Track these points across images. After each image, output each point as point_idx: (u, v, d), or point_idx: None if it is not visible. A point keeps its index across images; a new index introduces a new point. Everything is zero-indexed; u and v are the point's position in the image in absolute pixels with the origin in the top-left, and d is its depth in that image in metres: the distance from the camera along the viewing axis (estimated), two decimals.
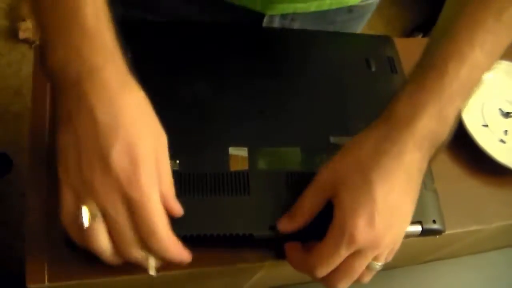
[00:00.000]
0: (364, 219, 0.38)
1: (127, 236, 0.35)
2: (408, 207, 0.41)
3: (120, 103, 0.35)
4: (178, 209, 0.39)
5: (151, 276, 0.38)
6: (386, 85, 0.56)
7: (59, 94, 0.36)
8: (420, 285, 0.70)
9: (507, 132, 0.63)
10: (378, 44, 0.61)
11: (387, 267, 0.42)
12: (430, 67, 0.41)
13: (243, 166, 0.46)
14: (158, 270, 0.38)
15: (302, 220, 0.42)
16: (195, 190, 0.44)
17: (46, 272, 0.42)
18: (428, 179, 0.48)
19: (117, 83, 0.36)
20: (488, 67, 0.42)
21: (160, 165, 0.37)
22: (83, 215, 0.34)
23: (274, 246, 0.46)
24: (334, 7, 0.60)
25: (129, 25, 0.54)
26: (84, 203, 0.35)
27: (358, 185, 0.39)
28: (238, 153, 0.46)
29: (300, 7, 0.57)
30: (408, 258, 0.41)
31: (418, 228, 0.46)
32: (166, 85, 0.50)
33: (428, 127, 0.40)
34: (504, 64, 0.68)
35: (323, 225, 0.41)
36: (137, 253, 0.37)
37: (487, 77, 0.43)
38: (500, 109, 0.66)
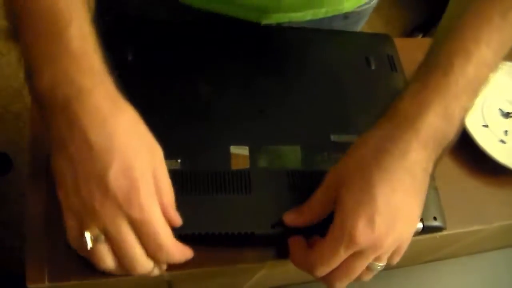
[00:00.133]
0: (364, 221, 0.38)
1: (131, 254, 0.36)
2: (412, 209, 0.40)
3: (112, 124, 0.35)
4: (177, 220, 0.39)
5: (151, 276, 0.38)
6: (386, 83, 0.56)
7: (48, 118, 0.35)
8: (420, 285, 0.70)
9: (507, 132, 0.63)
10: (378, 42, 0.61)
11: (387, 267, 0.42)
12: (434, 65, 0.41)
13: (244, 164, 0.46)
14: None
15: (310, 217, 0.42)
16: (196, 189, 0.44)
17: (46, 272, 0.42)
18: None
19: (108, 104, 0.35)
20: (494, 66, 0.41)
21: (158, 178, 0.37)
22: (86, 239, 0.35)
23: (275, 245, 0.46)
24: (329, 15, 0.60)
25: (130, 25, 0.55)
26: (87, 227, 0.35)
27: (359, 186, 0.39)
28: (239, 152, 0.46)
29: (296, 16, 0.58)
30: (408, 258, 0.41)
31: (419, 225, 0.46)
32: (167, 84, 0.50)
33: (433, 126, 0.39)
34: (504, 65, 0.68)
35: (327, 221, 0.41)
36: (142, 268, 0.37)
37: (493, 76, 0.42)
38: (500, 109, 0.66)
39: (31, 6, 0.35)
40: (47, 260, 0.43)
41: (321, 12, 0.59)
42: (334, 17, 0.61)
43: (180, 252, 0.39)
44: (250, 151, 0.47)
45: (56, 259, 0.43)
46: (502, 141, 0.63)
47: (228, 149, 0.46)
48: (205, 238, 0.42)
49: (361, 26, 0.70)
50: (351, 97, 0.54)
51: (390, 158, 0.39)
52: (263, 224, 0.43)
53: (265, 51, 0.56)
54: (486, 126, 0.63)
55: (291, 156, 0.47)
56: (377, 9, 0.71)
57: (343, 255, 0.38)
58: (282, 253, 0.45)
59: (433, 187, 0.49)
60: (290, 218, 0.43)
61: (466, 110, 0.41)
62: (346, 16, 0.63)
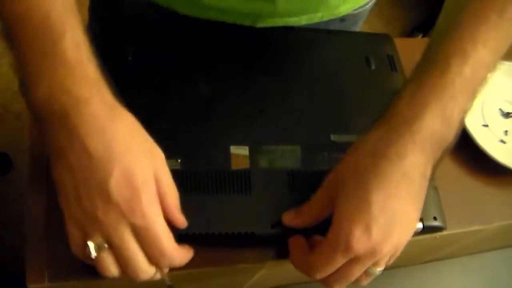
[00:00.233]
0: (360, 229, 0.37)
1: (134, 262, 0.36)
2: (410, 214, 0.39)
3: (111, 132, 0.35)
4: (182, 222, 0.39)
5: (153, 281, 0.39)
6: (386, 83, 0.56)
7: (46, 129, 0.35)
8: (420, 285, 0.70)
9: (507, 132, 0.63)
10: (378, 42, 0.61)
11: (387, 267, 0.42)
12: (431, 65, 0.40)
13: (244, 164, 0.46)
14: None
15: (308, 218, 0.42)
16: (196, 189, 0.44)
17: (46, 272, 0.42)
18: None
19: (105, 112, 0.35)
20: (492, 65, 0.41)
21: (161, 181, 0.37)
22: (89, 248, 0.35)
23: (276, 245, 0.46)
24: (325, 19, 0.60)
25: (130, 25, 0.55)
26: (89, 236, 0.35)
27: (356, 192, 0.38)
28: (239, 152, 0.46)
29: (291, 21, 0.58)
30: (408, 258, 0.41)
31: (419, 225, 0.46)
32: (167, 84, 0.50)
33: (430, 128, 0.39)
34: (504, 64, 0.68)
35: (327, 220, 0.40)
36: (145, 275, 0.37)
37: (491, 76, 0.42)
38: (500, 109, 0.66)
39: (24, 16, 0.35)
40: (47, 260, 0.43)
41: (316, 17, 0.59)
42: (330, 21, 0.61)
43: (181, 255, 0.39)
44: (250, 151, 0.47)
45: (56, 259, 0.43)
46: (502, 141, 0.63)
47: (228, 149, 0.46)
48: (205, 238, 0.42)
49: (358, 27, 0.70)
50: (351, 97, 0.54)
51: (386, 163, 0.38)
52: (263, 224, 0.43)
53: (265, 51, 0.56)
54: (486, 126, 0.63)
55: (291, 156, 0.47)
56: (377, 9, 0.71)
57: (340, 261, 0.38)
58: (282, 253, 0.45)
59: (433, 187, 0.49)
60: (289, 219, 0.43)
61: (464, 111, 0.40)
62: (343, 19, 0.63)
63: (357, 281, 0.41)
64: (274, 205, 0.44)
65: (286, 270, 0.45)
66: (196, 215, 0.41)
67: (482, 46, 0.40)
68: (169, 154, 0.42)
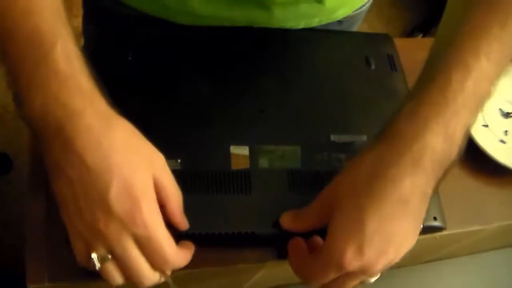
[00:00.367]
0: (352, 250, 0.36)
1: (138, 270, 0.36)
2: (406, 234, 0.38)
3: (107, 143, 0.35)
4: (185, 225, 0.40)
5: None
6: (386, 83, 0.56)
7: (43, 142, 0.35)
8: (420, 285, 0.70)
9: (507, 133, 0.63)
10: (378, 42, 0.61)
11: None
12: (431, 80, 0.38)
13: (245, 164, 0.46)
14: None
15: (305, 225, 0.42)
16: (196, 189, 0.44)
17: (46, 272, 0.42)
18: None
19: (100, 123, 0.35)
20: (495, 78, 0.39)
21: (162, 186, 0.37)
22: (94, 260, 0.35)
23: (276, 245, 0.46)
24: (323, 23, 0.60)
25: (130, 25, 0.55)
26: (93, 248, 0.35)
27: (350, 211, 0.38)
28: (239, 152, 0.46)
29: (288, 25, 0.58)
30: (408, 258, 0.41)
31: None
32: (167, 84, 0.50)
33: (432, 147, 0.37)
34: None
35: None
36: (149, 281, 0.37)
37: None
38: (500, 109, 0.66)
39: (13, 28, 0.35)
40: (47, 260, 0.43)
41: (314, 21, 0.60)
42: (328, 24, 0.61)
43: (183, 258, 0.39)
44: (250, 151, 0.47)
45: (56, 259, 0.43)
46: (502, 141, 0.63)
47: (228, 149, 0.46)
48: (206, 238, 0.42)
49: (356, 28, 0.70)
50: (351, 97, 0.54)
51: (383, 185, 0.37)
52: (263, 224, 0.43)
53: (265, 51, 0.56)
54: (486, 126, 0.63)
55: (291, 156, 0.47)
56: (377, 9, 0.71)
57: (333, 275, 0.38)
58: (282, 254, 0.45)
59: None
60: (287, 222, 0.43)
61: (468, 126, 0.39)
62: (340, 21, 0.63)
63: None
64: (274, 205, 0.44)
65: (286, 270, 0.45)
66: (196, 215, 0.41)
67: (485, 59, 0.38)
68: (169, 154, 0.42)
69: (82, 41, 0.60)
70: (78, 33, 0.70)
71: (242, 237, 0.43)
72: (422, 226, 0.45)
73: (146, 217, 0.35)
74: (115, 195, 0.34)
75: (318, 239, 0.43)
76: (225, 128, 0.48)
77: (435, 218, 0.47)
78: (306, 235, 0.43)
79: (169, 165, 0.39)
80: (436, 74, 0.39)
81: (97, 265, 0.35)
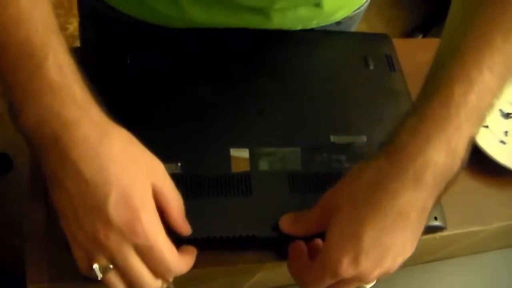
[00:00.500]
0: (348, 259, 0.37)
1: (140, 279, 0.36)
2: (404, 246, 0.38)
3: (104, 153, 0.34)
4: (187, 230, 0.40)
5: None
6: (385, 83, 0.56)
7: (39, 152, 0.35)
8: (420, 285, 0.69)
9: (507, 133, 0.63)
10: (376, 42, 0.61)
11: None
12: (434, 94, 0.38)
13: (245, 167, 0.46)
14: None
15: (304, 230, 0.42)
16: (196, 193, 0.44)
17: (46, 272, 0.42)
18: None
19: (96, 133, 0.35)
20: (498, 90, 0.39)
21: (163, 193, 0.37)
22: (95, 270, 0.35)
23: (277, 247, 0.46)
24: (321, 25, 0.60)
25: (129, 28, 0.55)
26: (94, 258, 0.35)
27: (349, 221, 0.38)
28: (239, 155, 0.46)
29: (286, 28, 0.58)
30: (408, 258, 0.41)
31: None
32: (166, 88, 0.50)
33: (434, 163, 0.36)
34: None
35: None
36: (156, 284, 0.38)
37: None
38: (500, 110, 0.66)
39: (4, 39, 0.34)
40: (47, 260, 0.43)
41: (312, 24, 0.60)
42: (326, 25, 0.61)
43: (185, 264, 0.39)
44: (250, 153, 0.47)
45: (56, 259, 0.43)
46: (502, 142, 0.63)
47: (228, 152, 0.46)
48: (206, 242, 0.42)
49: (355, 28, 0.70)
50: (350, 97, 0.54)
51: (383, 199, 0.37)
52: (264, 226, 0.43)
53: (263, 52, 0.56)
54: (486, 126, 0.63)
55: (291, 158, 0.47)
56: (377, 9, 0.71)
57: (328, 281, 0.39)
58: (282, 255, 0.45)
59: None
60: (286, 225, 0.43)
61: (470, 139, 0.38)
62: (338, 22, 0.63)
63: None
64: (275, 207, 0.44)
65: (285, 271, 0.45)
66: (196, 218, 0.41)
67: (488, 72, 0.37)
68: (169, 158, 0.42)
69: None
70: (77, 34, 0.70)
71: (243, 240, 0.43)
72: None
73: (146, 226, 0.34)
74: (114, 206, 0.34)
75: (319, 242, 0.43)
76: (224, 131, 0.48)
77: (435, 218, 0.47)
78: (307, 238, 0.43)
79: (169, 168, 0.39)
80: (438, 87, 0.38)
81: (99, 275, 0.35)
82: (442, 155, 0.37)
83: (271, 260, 0.47)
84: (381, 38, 0.61)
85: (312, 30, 0.61)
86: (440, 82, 0.38)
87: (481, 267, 0.72)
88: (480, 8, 0.40)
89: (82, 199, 0.34)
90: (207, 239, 0.42)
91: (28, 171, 0.48)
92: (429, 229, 0.47)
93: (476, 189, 0.58)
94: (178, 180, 0.39)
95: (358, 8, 0.64)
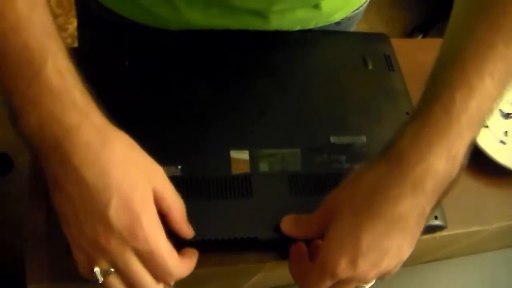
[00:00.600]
0: (346, 261, 0.37)
1: (141, 283, 0.36)
2: (402, 249, 0.39)
3: (105, 158, 0.34)
4: (189, 232, 0.40)
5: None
6: (384, 83, 0.56)
7: (40, 157, 0.35)
8: (420, 285, 0.70)
9: (507, 133, 0.63)
10: (374, 41, 0.61)
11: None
12: (435, 100, 0.38)
13: (245, 169, 0.46)
14: None
15: (305, 233, 0.42)
16: (197, 195, 0.44)
17: (46, 272, 0.42)
18: None
19: (97, 138, 0.35)
20: (498, 97, 0.39)
21: (164, 197, 0.37)
22: (96, 274, 0.35)
23: (278, 248, 0.46)
24: (320, 25, 0.60)
25: (127, 31, 0.54)
26: (95, 262, 0.35)
27: (347, 225, 0.38)
28: (240, 157, 0.46)
29: (284, 29, 0.58)
30: (408, 258, 0.41)
31: None
32: (165, 90, 0.50)
33: (434, 170, 0.37)
34: None
35: None
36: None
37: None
38: (500, 110, 0.66)
39: (3, 45, 0.34)
40: (47, 260, 0.43)
41: (310, 25, 0.60)
42: (325, 25, 0.61)
43: (186, 267, 0.39)
44: (250, 155, 0.47)
45: (56, 260, 0.43)
46: (502, 142, 0.63)
47: (228, 154, 0.46)
48: (208, 244, 0.42)
49: (354, 27, 0.70)
50: (350, 97, 0.54)
51: (382, 204, 0.37)
52: (265, 228, 0.43)
53: (262, 53, 0.56)
54: (486, 126, 0.63)
55: (291, 159, 0.47)
56: (377, 9, 0.71)
57: (328, 283, 0.39)
58: (282, 254, 0.45)
59: None
60: (287, 227, 0.43)
61: (470, 144, 0.38)
62: (338, 23, 0.63)
63: None
64: (276, 208, 0.44)
65: (285, 271, 0.45)
66: (197, 221, 0.41)
67: (489, 78, 0.37)
68: (169, 161, 0.42)
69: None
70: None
71: (244, 242, 0.43)
72: None
73: (147, 231, 0.35)
74: (115, 210, 0.34)
75: (319, 243, 0.43)
76: (224, 133, 0.48)
77: (436, 217, 0.47)
78: (308, 239, 0.44)
79: (169, 171, 0.39)
80: (440, 93, 0.38)
81: (100, 278, 0.35)
82: (443, 162, 0.37)
83: (271, 260, 0.47)
84: (379, 38, 0.61)
85: (310, 30, 0.61)
86: (442, 87, 0.38)
87: (481, 267, 0.72)
88: (482, 13, 0.40)
89: (83, 203, 0.34)
90: (208, 241, 0.42)
91: (28, 171, 0.48)
92: (430, 229, 0.47)
93: (476, 189, 0.58)
94: (178, 182, 0.39)
95: (357, 9, 0.64)
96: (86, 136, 0.34)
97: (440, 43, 0.43)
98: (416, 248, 0.40)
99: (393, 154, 0.38)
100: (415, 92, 0.56)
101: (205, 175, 0.45)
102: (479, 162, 0.59)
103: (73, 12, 0.69)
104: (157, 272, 0.36)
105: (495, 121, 0.64)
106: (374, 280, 0.41)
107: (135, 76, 0.50)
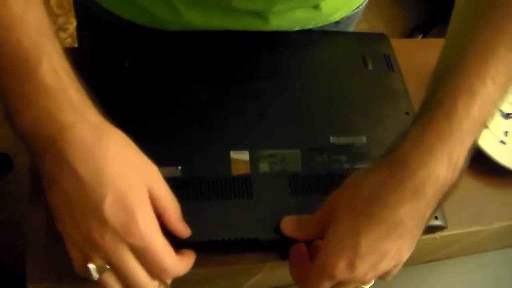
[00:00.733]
0: (344, 263, 0.37)
1: (137, 280, 0.36)
2: (401, 251, 0.39)
3: (100, 155, 0.34)
4: (186, 232, 0.40)
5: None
6: (383, 83, 0.56)
7: (35, 154, 0.35)
8: (420, 285, 0.70)
9: (507, 133, 0.63)
10: (374, 42, 0.61)
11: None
12: (436, 105, 0.38)
13: (245, 170, 0.46)
14: None
15: (306, 235, 0.43)
16: (197, 196, 0.44)
17: (46, 272, 0.42)
18: None
19: (92, 135, 0.35)
20: (500, 99, 0.39)
21: (158, 196, 0.37)
22: (91, 271, 0.35)
23: (278, 249, 0.46)
24: (319, 25, 0.60)
25: (126, 32, 0.54)
26: (90, 259, 0.35)
27: (346, 229, 0.38)
28: (240, 157, 0.46)
29: (283, 29, 0.58)
30: (408, 258, 0.41)
31: None
32: (165, 91, 0.50)
33: (435, 175, 0.36)
34: None
35: None
36: (153, 285, 0.37)
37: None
38: (500, 110, 0.66)
39: None
40: (47, 260, 0.43)
41: (310, 25, 0.60)
42: (324, 25, 0.61)
43: (183, 266, 0.39)
44: (250, 155, 0.47)
45: (56, 260, 0.43)
46: (502, 142, 0.63)
47: (228, 155, 0.46)
48: (208, 245, 0.42)
49: (353, 27, 0.70)
50: (350, 98, 0.54)
51: (382, 209, 0.37)
52: (265, 229, 0.43)
53: (262, 54, 0.56)
54: (486, 127, 0.63)
55: (291, 159, 0.47)
56: (378, 9, 0.71)
57: (327, 284, 0.39)
58: (282, 255, 0.45)
59: None
60: (288, 229, 0.43)
61: (471, 149, 0.38)
62: (337, 22, 0.63)
63: None
64: (276, 209, 0.44)
65: (285, 271, 0.45)
66: (197, 222, 0.41)
67: (491, 82, 0.37)
68: (169, 162, 0.42)
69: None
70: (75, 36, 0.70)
71: (244, 242, 0.43)
72: None
73: (142, 227, 0.34)
74: (110, 206, 0.34)
75: (319, 244, 0.43)
76: (224, 133, 0.48)
77: (436, 218, 0.47)
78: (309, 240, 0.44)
79: (169, 172, 0.39)
80: (442, 98, 0.38)
81: (95, 275, 0.35)
82: (444, 168, 0.37)
83: (271, 260, 0.47)
84: (379, 38, 0.61)
85: (310, 30, 0.61)
86: (443, 92, 0.38)
87: (482, 267, 0.72)
88: (483, 16, 0.40)
89: (78, 199, 0.34)
90: (209, 242, 0.42)
91: (28, 171, 0.48)
92: (430, 229, 0.47)
93: (476, 189, 0.58)
94: (179, 183, 0.39)
95: (357, 8, 0.64)
96: (81, 133, 0.34)
97: (441, 46, 0.43)
98: (416, 248, 0.40)
99: (395, 159, 0.38)
100: (415, 92, 0.56)
101: (205, 176, 0.45)
102: (479, 162, 0.59)
103: (73, 12, 0.69)
104: (152, 269, 0.36)
105: (495, 121, 0.64)
106: (373, 281, 0.41)
107: (135, 77, 0.51)
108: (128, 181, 0.35)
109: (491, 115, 0.39)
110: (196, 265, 0.41)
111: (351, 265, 0.37)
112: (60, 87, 0.34)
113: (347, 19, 0.64)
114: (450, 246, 0.63)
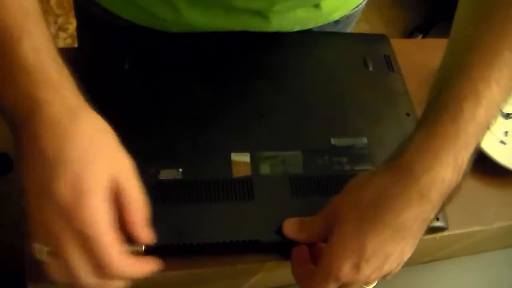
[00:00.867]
0: (349, 265, 0.37)
1: (75, 270, 0.34)
2: (403, 252, 0.39)
3: (68, 136, 0.34)
4: (146, 237, 0.37)
5: (148, 277, 0.37)
6: (384, 83, 0.56)
7: (12, 129, 0.35)
8: (420, 285, 0.69)
9: (507, 133, 0.63)
10: (374, 42, 0.61)
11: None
12: (441, 109, 0.38)
13: (246, 172, 0.46)
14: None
15: (307, 237, 0.42)
16: (198, 198, 0.44)
17: (46, 272, 0.42)
18: None
19: (66, 116, 0.34)
20: (503, 102, 0.39)
21: (124, 193, 0.35)
22: (34, 250, 0.34)
23: (280, 251, 0.46)
24: (319, 24, 0.60)
25: (126, 34, 0.54)
26: (36, 237, 0.34)
27: (351, 230, 0.38)
28: (241, 159, 0.46)
29: (283, 29, 0.58)
30: (408, 258, 0.41)
31: None
32: (165, 93, 0.50)
33: (440, 179, 0.36)
34: None
35: None
36: (86, 285, 0.35)
37: None
38: (500, 110, 0.66)
39: None
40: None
41: (310, 24, 0.60)
42: (324, 25, 0.61)
43: (131, 267, 0.36)
44: (251, 157, 0.47)
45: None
46: (502, 142, 0.63)
47: (229, 157, 0.46)
48: (210, 247, 0.42)
49: (353, 26, 0.70)
50: (350, 99, 0.54)
51: (387, 213, 0.37)
52: (267, 231, 0.43)
53: (262, 55, 0.56)
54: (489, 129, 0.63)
55: (292, 161, 0.47)
56: (378, 9, 0.71)
57: (332, 286, 0.39)
58: (282, 255, 0.45)
59: None
60: (290, 231, 0.43)
61: (474, 151, 0.38)
62: (337, 21, 0.63)
63: None
64: (277, 211, 0.44)
65: (285, 271, 0.45)
66: (199, 224, 0.41)
67: (496, 85, 0.37)
68: (170, 164, 0.42)
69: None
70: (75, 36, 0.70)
71: (246, 244, 0.43)
72: None
73: (89, 213, 0.33)
74: (63, 186, 0.33)
75: (321, 246, 0.43)
76: (225, 135, 0.48)
77: (437, 219, 0.47)
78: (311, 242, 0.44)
79: (171, 174, 0.38)
80: (447, 102, 0.38)
81: (38, 256, 0.33)
82: (450, 171, 0.37)
83: (271, 260, 0.47)
84: (379, 39, 0.61)
85: (310, 31, 0.61)
86: (448, 96, 0.38)
87: (482, 266, 0.72)
88: (487, 19, 0.40)
89: (38, 174, 0.33)
90: (210, 244, 0.42)
91: None
92: (431, 230, 0.47)
93: (476, 189, 0.58)
94: (180, 186, 0.39)
95: (356, 7, 0.64)
96: (55, 113, 0.34)
97: (442, 47, 0.43)
98: (416, 249, 0.40)
99: (400, 163, 0.38)
100: (415, 93, 0.56)
101: (207, 178, 0.45)
102: (479, 163, 0.59)
103: (73, 12, 0.69)
104: (94, 261, 0.33)
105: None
106: (376, 282, 0.41)
107: (135, 78, 0.50)
108: (88, 165, 0.34)
109: (495, 117, 0.39)
110: (196, 265, 0.41)
111: (357, 267, 0.37)
112: (40, 67, 0.35)
113: (347, 18, 0.64)
114: (450, 246, 0.63)
